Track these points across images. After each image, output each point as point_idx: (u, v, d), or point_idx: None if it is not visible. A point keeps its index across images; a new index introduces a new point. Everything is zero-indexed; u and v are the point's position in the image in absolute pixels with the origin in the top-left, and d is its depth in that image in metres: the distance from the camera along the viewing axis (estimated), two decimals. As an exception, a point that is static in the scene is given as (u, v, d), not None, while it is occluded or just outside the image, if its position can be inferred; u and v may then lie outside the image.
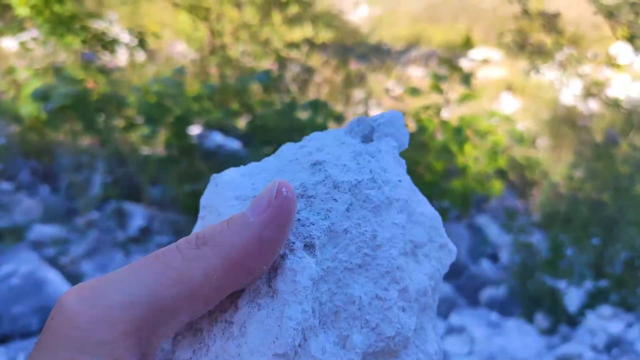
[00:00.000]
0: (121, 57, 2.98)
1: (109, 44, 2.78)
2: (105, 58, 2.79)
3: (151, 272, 0.29)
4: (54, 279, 1.61)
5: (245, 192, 0.36)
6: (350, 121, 0.40)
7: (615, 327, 2.01)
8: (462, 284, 2.28)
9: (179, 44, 3.49)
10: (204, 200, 0.37)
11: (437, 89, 2.59)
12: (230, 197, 0.36)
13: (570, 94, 3.69)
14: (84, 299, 0.28)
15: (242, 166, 0.39)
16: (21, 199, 2.24)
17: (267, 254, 0.30)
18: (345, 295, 0.33)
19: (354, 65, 3.51)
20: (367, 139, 0.39)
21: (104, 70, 2.63)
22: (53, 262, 1.91)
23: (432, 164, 2.58)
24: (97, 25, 2.83)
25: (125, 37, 2.92)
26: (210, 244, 0.30)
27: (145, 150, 2.64)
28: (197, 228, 0.37)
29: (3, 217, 2.11)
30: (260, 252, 0.30)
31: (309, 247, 0.33)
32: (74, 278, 1.87)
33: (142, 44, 2.91)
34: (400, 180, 0.37)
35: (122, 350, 0.27)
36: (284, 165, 0.37)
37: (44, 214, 2.18)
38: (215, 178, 0.38)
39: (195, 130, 2.82)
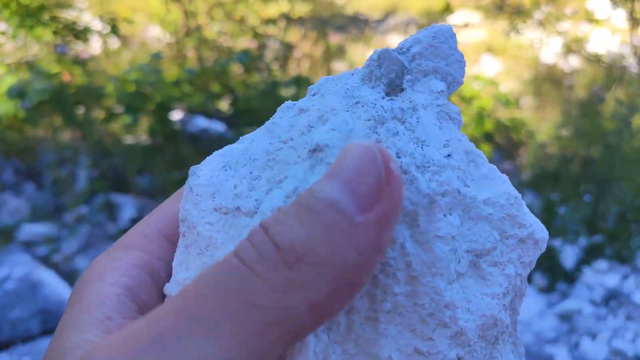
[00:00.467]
0: (94, 46, 2.90)
1: (81, 33, 2.71)
2: (79, 48, 2.71)
3: (228, 322, 0.20)
4: (50, 279, 1.59)
5: (225, 200, 0.26)
6: (369, 58, 0.27)
7: (612, 280, 2.04)
8: (459, 250, 2.29)
9: (153, 28, 3.40)
10: (182, 212, 0.28)
11: (420, 56, 2.56)
12: (207, 208, 0.26)
13: (550, 52, 3.69)
14: None
15: (226, 148, 0.29)
16: (6, 199, 2.19)
17: (379, 260, 0.22)
18: (369, 356, 0.24)
19: (333, 38, 3.47)
20: (394, 86, 0.26)
21: (79, 61, 2.56)
22: (46, 261, 1.88)
23: (420, 132, 2.57)
24: (67, 14, 2.75)
25: (96, 24, 2.84)
26: (308, 260, 0.20)
27: (129, 140, 2.59)
28: (180, 246, 0.28)
29: (-10, 219, 2.07)
30: (376, 260, 0.21)
31: None
32: (69, 276, 1.84)
33: (114, 30, 2.83)
34: (449, 155, 0.25)
35: None
36: (276, 150, 0.26)
37: (31, 213, 2.14)
38: (190, 178, 0.28)
39: (177, 115, 2.78)
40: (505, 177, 0.27)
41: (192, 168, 0.28)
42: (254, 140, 0.28)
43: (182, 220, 0.28)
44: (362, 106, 0.25)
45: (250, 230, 0.22)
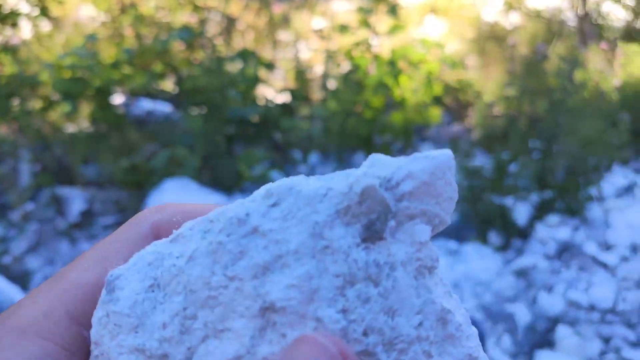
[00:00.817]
0: (24, 30, 2.74)
1: (8, 18, 2.54)
2: (7, 33, 2.55)
3: None
4: (0, 284, 1.52)
5: (150, 342, 0.23)
6: (350, 185, 0.22)
7: (563, 233, 2.12)
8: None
9: (86, 7, 3.24)
10: (94, 334, 0.24)
11: (365, 24, 2.53)
12: (126, 345, 0.23)
13: (492, 9, 3.72)
14: None
15: (155, 250, 0.24)
16: (-56, 202, 2.08)
17: None
18: None
19: (276, 7, 3.38)
20: (373, 231, 0.22)
21: (8, 48, 2.41)
22: (-6, 264, 1.80)
23: (370, 100, 2.56)
24: (-10, -2, 2.58)
25: (24, 7, 2.67)
26: None
27: (70, 129, 2.48)
28: None
29: None
30: None
31: None
32: (21, 277, 1.77)
33: (44, 12, 2.68)
34: (420, 324, 0.22)
35: None
36: (219, 285, 0.22)
37: (-27, 215, 2.04)
38: (107, 297, 0.24)
39: (119, 99, 2.67)
40: (474, 330, 0.24)
41: (111, 277, 0.24)
42: (192, 259, 0.23)
43: (94, 342, 0.24)
44: (332, 254, 0.21)
45: None
